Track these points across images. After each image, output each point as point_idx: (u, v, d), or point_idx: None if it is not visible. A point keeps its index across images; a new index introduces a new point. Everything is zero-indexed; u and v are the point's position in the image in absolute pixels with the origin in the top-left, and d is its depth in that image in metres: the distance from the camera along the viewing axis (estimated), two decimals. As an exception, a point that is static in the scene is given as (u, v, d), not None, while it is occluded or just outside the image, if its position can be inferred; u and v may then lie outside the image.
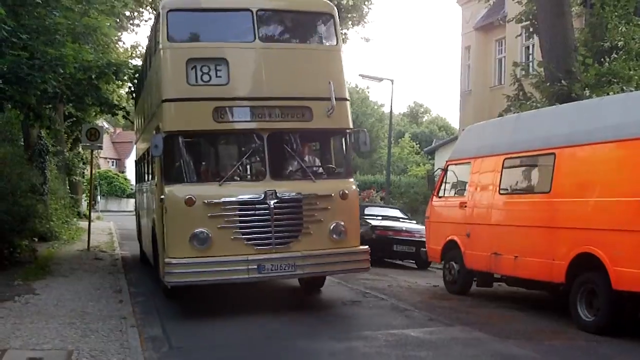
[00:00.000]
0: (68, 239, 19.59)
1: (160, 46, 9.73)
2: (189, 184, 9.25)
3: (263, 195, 9.08)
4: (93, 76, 15.22)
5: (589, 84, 13.87)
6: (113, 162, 72.56)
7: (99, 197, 47.45)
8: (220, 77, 9.46)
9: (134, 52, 29.75)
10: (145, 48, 14.18)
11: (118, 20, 23.94)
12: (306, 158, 10.07)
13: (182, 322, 9.02)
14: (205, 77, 9.41)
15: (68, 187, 27.87)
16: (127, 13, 26.19)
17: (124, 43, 37.26)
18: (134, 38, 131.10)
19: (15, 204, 13.09)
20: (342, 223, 9.44)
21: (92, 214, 20.55)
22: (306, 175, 9.68)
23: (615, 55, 14.78)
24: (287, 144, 9.92)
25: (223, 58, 9.55)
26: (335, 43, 10.25)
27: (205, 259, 8.89)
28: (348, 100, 10.15)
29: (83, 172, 32.79)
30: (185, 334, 8.36)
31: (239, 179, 9.78)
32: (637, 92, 11.28)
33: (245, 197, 9.14)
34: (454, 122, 49.97)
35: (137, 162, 16.26)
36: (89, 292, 10.74)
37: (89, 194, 22.26)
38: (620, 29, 15.04)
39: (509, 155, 10.66)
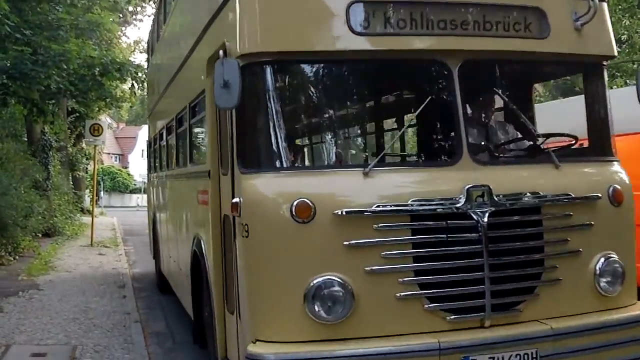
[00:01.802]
0: (71, 235, 19.66)
1: None
2: (294, 172, 4.55)
3: (463, 199, 4.25)
4: (97, 72, 15.25)
5: (593, 78, 13.82)
6: (116, 157, 72.65)
7: (102, 192, 47.60)
8: None
9: (137, 47, 29.88)
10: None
11: (121, 15, 24.00)
12: (532, 115, 5.58)
13: (186, 317, 9.01)
14: None
15: (71, 183, 27.97)
16: (131, 8, 26.25)
17: (128, 38, 37.26)
18: (138, 33, 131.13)
19: (18, 199, 13.13)
20: (616, 257, 4.69)
21: (95, 209, 20.58)
22: (541, 154, 4.97)
23: (619, 49, 14.77)
24: (499, 85, 5.11)
25: None
26: None
27: (340, 348, 4.03)
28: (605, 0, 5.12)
29: (86, 168, 32.86)
30: (189, 329, 8.37)
31: (404, 161, 5.59)
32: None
33: (425, 202, 4.24)
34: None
35: (153, 141, 11.21)
36: (93, 287, 10.77)
37: (92, 190, 22.26)
38: (623, 22, 15.03)
39: (512, 150, 10.62)
